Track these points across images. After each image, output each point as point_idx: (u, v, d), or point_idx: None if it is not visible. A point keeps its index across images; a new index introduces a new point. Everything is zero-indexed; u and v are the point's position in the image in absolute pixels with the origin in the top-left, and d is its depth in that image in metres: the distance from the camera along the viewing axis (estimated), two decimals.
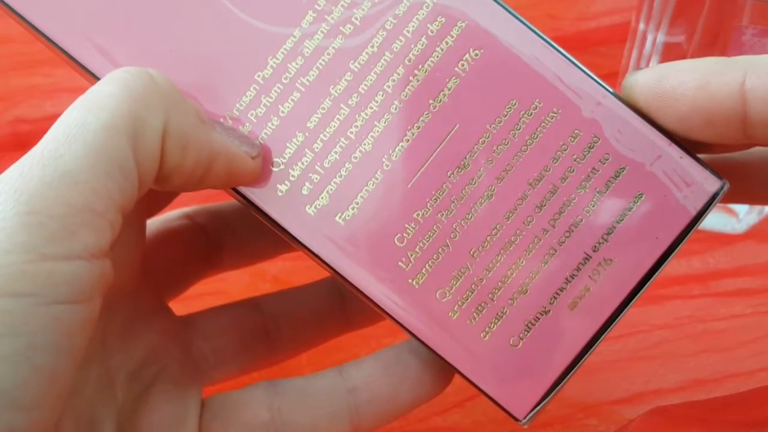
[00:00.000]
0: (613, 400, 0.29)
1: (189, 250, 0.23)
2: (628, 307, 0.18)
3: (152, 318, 0.21)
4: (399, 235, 0.18)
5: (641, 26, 0.30)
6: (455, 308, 0.18)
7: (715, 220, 0.34)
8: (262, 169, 0.18)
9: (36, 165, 0.14)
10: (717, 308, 0.32)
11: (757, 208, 0.34)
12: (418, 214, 0.18)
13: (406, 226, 0.18)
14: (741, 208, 0.34)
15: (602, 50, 0.39)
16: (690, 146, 0.18)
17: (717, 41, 0.28)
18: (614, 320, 0.18)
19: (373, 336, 0.29)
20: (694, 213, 0.18)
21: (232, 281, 0.31)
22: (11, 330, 0.13)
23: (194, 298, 0.25)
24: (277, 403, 0.20)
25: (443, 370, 0.20)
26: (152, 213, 0.23)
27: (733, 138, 0.17)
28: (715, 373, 0.30)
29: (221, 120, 0.18)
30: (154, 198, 0.22)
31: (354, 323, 0.24)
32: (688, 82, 0.17)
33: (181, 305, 0.24)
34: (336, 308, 0.23)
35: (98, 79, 0.18)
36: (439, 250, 0.18)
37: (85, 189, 0.14)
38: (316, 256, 0.19)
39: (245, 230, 0.24)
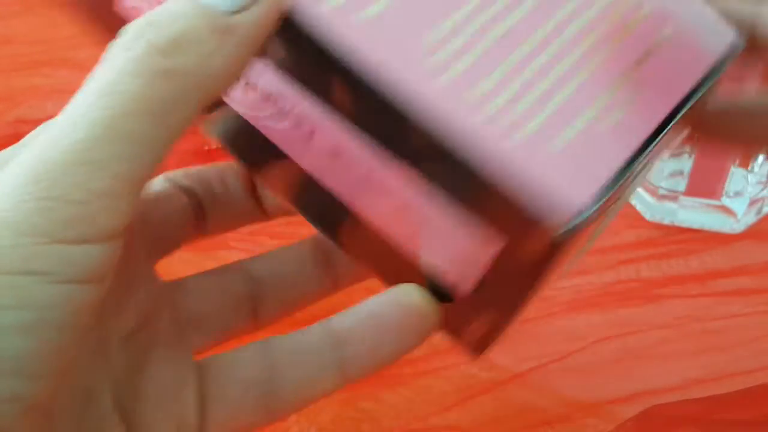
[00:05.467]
0: (611, 399, 0.29)
1: (172, 212, 0.23)
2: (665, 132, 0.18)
3: (141, 282, 0.21)
4: (431, 33, 0.17)
5: None
6: (484, 109, 0.17)
7: (714, 220, 0.35)
8: None
9: (55, 148, 0.15)
10: (715, 308, 0.32)
11: (755, 207, 0.35)
12: (454, 13, 0.17)
13: (441, 23, 0.17)
14: (739, 208, 0.34)
15: None
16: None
17: None
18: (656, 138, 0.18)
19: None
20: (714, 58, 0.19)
21: None
22: (22, 303, 0.14)
23: None
24: (269, 361, 0.20)
25: (426, 318, 0.20)
26: None
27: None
28: (713, 372, 0.30)
29: None
30: None
31: (340, 282, 0.24)
32: None
33: None
34: (319, 266, 0.23)
35: None
36: (471, 51, 0.17)
37: (105, 174, 0.14)
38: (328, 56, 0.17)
39: (227, 193, 0.24)
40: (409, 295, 0.19)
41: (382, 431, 0.29)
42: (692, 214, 0.34)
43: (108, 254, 0.15)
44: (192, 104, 0.16)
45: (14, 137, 0.27)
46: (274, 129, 0.18)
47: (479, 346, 0.20)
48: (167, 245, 0.23)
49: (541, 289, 0.18)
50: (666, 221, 0.34)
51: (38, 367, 0.14)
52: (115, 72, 0.15)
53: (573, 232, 0.17)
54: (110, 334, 0.20)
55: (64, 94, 0.19)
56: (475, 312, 0.19)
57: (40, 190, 0.14)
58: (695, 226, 0.35)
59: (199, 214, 0.24)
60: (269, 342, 0.21)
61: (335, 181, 0.19)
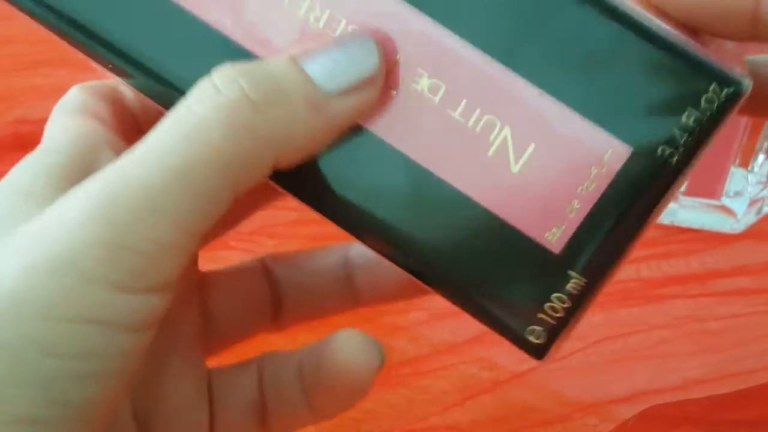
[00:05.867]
0: (612, 399, 0.29)
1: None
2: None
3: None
4: None
5: None
6: None
7: (714, 220, 0.35)
8: None
9: (126, 193, 0.14)
10: (716, 308, 0.32)
11: (755, 207, 0.35)
12: None
13: None
14: (739, 208, 0.34)
15: None
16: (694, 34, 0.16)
17: None
18: None
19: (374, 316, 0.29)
20: None
21: None
22: (86, 352, 0.14)
23: None
24: (262, 385, 0.20)
25: (364, 371, 0.19)
26: None
27: (740, 34, 0.16)
28: (713, 372, 0.30)
29: None
30: None
31: (361, 300, 0.22)
32: None
33: None
34: (342, 281, 0.22)
35: None
36: None
37: (173, 226, 0.14)
38: None
39: None
40: (350, 347, 0.18)
41: (382, 431, 0.29)
42: (692, 214, 0.35)
43: (165, 302, 0.15)
44: (266, 167, 0.15)
45: (14, 137, 0.27)
46: None
47: (548, 342, 0.16)
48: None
49: (639, 240, 0.16)
50: (666, 221, 0.34)
51: (95, 412, 0.15)
52: (199, 117, 0.15)
53: (733, 106, 0.15)
54: None
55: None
56: (551, 285, 0.16)
57: (111, 236, 0.14)
58: (695, 226, 0.35)
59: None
60: (263, 362, 0.20)
61: (412, 135, 0.16)
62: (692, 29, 0.16)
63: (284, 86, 0.15)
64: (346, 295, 0.22)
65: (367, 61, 0.16)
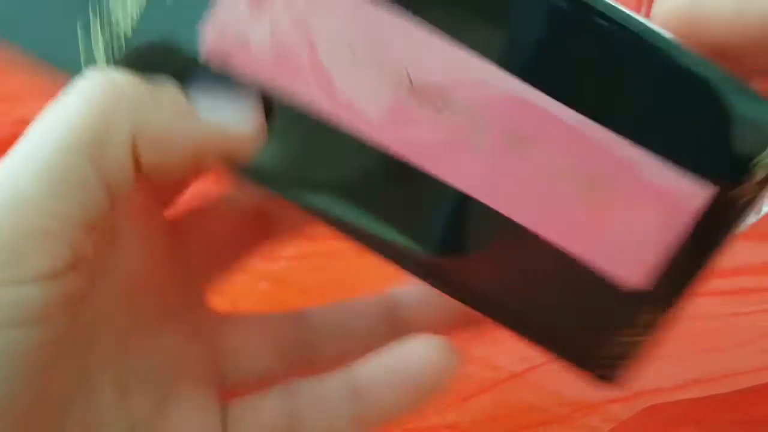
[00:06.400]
0: (611, 398, 0.29)
1: (228, 229, 0.22)
2: None
3: (181, 315, 0.20)
4: None
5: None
6: None
7: None
8: None
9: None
10: (715, 307, 0.32)
11: (756, 207, 0.35)
12: None
13: None
14: None
15: None
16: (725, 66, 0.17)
17: None
18: None
19: None
20: None
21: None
22: None
23: None
24: (289, 408, 0.20)
25: (445, 370, 0.19)
26: (167, 202, 0.21)
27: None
28: (713, 372, 0.30)
29: None
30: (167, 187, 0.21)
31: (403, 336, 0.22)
32: (724, 7, 0.16)
33: None
34: (384, 325, 0.22)
35: None
36: None
37: (37, 211, 0.14)
38: None
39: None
40: (428, 348, 0.19)
41: (382, 431, 0.29)
42: None
43: (52, 293, 0.14)
44: (123, 144, 0.15)
45: (16, 137, 0.27)
46: (421, 141, 0.17)
47: (620, 368, 0.18)
48: (225, 264, 0.22)
49: (710, 269, 0.16)
50: None
51: (11, 412, 0.14)
52: (60, 102, 0.15)
53: None
54: (135, 372, 0.19)
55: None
56: (630, 314, 0.17)
57: None
58: None
59: (260, 224, 0.22)
60: (291, 388, 0.20)
61: (497, 187, 0.17)
62: (725, 57, 0.16)
63: (162, 92, 0.16)
64: (388, 337, 0.21)
65: (244, 117, 0.17)
